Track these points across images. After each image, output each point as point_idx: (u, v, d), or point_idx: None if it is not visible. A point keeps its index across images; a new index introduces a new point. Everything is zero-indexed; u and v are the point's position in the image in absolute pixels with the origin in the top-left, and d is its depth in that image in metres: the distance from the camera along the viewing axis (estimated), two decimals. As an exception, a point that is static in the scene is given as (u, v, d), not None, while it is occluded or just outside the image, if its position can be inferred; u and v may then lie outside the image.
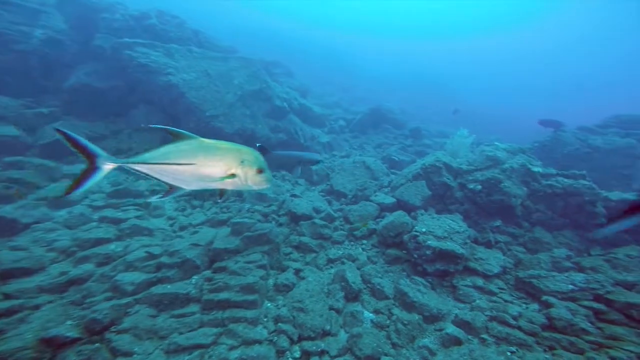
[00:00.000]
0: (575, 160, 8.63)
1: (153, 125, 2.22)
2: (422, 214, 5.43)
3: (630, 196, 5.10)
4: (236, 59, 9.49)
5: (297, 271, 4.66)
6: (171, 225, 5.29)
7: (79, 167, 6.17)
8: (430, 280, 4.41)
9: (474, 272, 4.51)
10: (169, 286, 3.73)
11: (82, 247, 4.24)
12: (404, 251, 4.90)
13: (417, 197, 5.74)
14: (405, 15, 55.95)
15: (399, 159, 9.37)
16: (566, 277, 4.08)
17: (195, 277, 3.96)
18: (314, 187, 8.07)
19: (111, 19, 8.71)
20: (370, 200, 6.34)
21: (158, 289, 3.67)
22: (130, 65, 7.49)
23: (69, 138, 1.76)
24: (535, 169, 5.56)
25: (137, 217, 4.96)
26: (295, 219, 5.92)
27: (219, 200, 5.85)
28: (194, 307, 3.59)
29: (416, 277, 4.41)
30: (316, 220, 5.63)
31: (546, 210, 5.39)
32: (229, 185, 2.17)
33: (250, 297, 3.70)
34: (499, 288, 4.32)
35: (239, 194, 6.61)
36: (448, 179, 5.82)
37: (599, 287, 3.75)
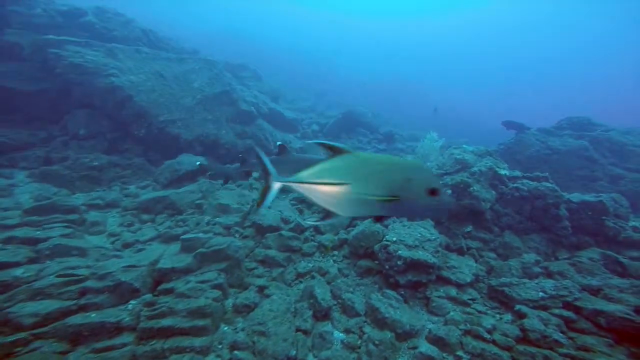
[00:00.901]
0: (537, 162, 9.06)
1: (313, 141, 1.74)
2: (393, 222, 5.25)
3: (590, 198, 5.30)
4: (195, 60, 8.94)
5: (261, 288, 4.25)
6: (112, 243, 4.64)
7: None
8: (402, 292, 4.20)
9: (447, 281, 4.38)
10: (93, 315, 3.16)
11: None
12: (376, 262, 4.67)
13: (389, 204, 5.57)
14: None
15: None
16: (536, 284, 4.07)
17: (132, 302, 3.41)
18: (284, 196, 7.68)
19: (27, 13, 7.77)
20: (342, 209, 6.08)
21: (76, 319, 3.07)
22: (59, 65, 6.70)
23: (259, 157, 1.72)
24: (502, 172, 5.64)
25: (65, 235, 4.26)
26: (262, 231, 5.51)
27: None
28: (126, 338, 3.05)
29: (388, 291, 4.18)
30: (284, 232, 5.26)
31: (514, 214, 5.46)
32: (392, 211, 1.65)
33: (201, 322, 3.24)
34: (472, 298, 4.22)
35: (198, 206, 6.06)
36: (419, 184, 5.72)
37: (567, 293, 3.75)
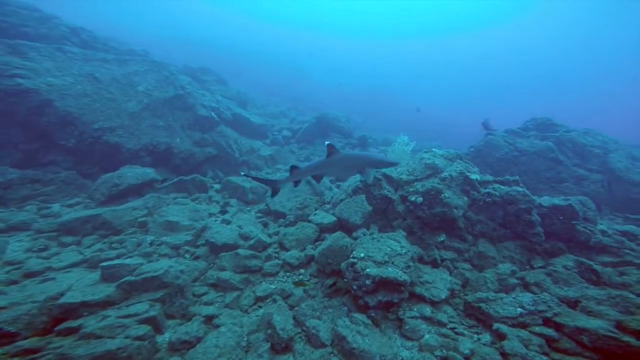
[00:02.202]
0: (507, 164, 9.23)
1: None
2: (363, 234, 4.88)
3: (559, 202, 5.29)
4: (140, 62, 8.15)
5: (209, 318, 3.71)
6: (8, 273, 3.79)
7: None
8: (373, 314, 3.79)
9: (420, 298, 4.05)
10: None
11: None
12: (344, 279, 4.23)
13: (358, 214, 5.20)
14: (360, 16, 59.34)
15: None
16: (513, 298, 3.84)
17: None
18: (249, 208, 7.09)
19: None
20: (309, 221, 5.61)
21: None
22: None
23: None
24: (473, 177, 5.50)
25: None
26: (216, 250, 4.91)
27: None
28: None
29: (356, 315, 3.75)
30: (240, 251, 4.70)
31: (487, 220, 5.31)
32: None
33: None
34: (448, 317, 3.90)
35: (141, 225, 5.31)
36: (389, 191, 5.43)
37: (546, 308, 3.56)
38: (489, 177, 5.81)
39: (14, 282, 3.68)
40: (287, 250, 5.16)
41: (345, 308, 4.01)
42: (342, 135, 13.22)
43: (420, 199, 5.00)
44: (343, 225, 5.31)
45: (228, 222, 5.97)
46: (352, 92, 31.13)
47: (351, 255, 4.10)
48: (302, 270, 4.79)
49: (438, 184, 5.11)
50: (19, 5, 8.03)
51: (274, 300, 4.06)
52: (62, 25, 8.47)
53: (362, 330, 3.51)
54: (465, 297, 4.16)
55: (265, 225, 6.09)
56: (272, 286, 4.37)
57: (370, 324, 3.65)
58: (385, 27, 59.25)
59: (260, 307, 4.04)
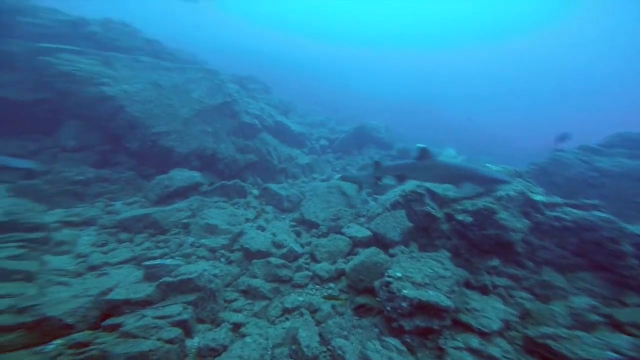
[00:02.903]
0: (581, 186, 7.95)
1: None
2: (401, 252, 4.54)
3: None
4: (196, 70, 8.91)
5: (237, 326, 3.71)
6: (77, 265, 4.27)
7: None
8: (408, 340, 3.46)
9: (466, 327, 3.58)
10: None
11: None
12: (377, 299, 3.96)
13: (396, 230, 4.89)
14: (401, 24, 58.53)
15: (383, 182, 8.63)
16: (600, 339, 3.15)
17: (56, 342, 2.92)
18: (284, 216, 7.19)
19: (33, 23, 7.92)
20: (342, 233, 5.45)
21: None
22: (49, 73, 6.67)
23: None
24: (537, 198, 4.84)
25: (14, 257, 3.94)
26: (249, 256, 5.02)
27: None
28: None
29: (389, 339, 3.46)
30: (272, 259, 4.72)
31: (555, 247, 4.58)
32: None
33: None
34: (502, 351, 3.37)
35: (184, 226, 5.68)
36: (432, 208, 5.03)
37: None
38: (558, 200, 5.07)
39: (79, 275, 4.13)
40: (318, 262, 5.05)
41: (377, 330, 3.74)
42: (380, 147, 12.86)
43: (470, 218, 4.52)
44: (379, 241, 5.04)
45: (263, 229, 6.08)
46: (394, 103, 30.46)
47: (386, 274, 3.84)
48: (331, 284, 4.64)
49: (492, 203, 4.57)
50: (119, 23, 9.44)
51: (301, 314, 3.95)
52: (140, 38, 9.75)
53: (395, 357, 3.22)
54: (525, 330, 3.60)
55: (298, 234, 6.09)
56: (301, 298, 4.28)
57: (404, 351, 3.34)
58: (429, 35, 57.29)
59: (287, 319, 3.96)
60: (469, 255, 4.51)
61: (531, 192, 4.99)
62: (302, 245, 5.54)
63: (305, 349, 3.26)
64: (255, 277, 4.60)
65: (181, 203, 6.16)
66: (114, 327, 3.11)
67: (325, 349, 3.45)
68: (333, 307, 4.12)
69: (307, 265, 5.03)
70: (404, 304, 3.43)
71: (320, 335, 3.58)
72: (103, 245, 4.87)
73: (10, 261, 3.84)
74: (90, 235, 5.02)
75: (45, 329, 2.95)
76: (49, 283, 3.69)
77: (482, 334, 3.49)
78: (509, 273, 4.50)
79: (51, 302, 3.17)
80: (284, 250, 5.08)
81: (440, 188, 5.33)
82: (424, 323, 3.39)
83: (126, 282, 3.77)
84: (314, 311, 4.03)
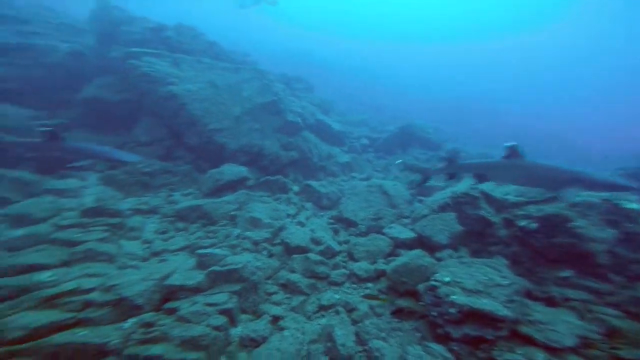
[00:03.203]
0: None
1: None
2: (449, 256, 4.21)
3: None
4: (248, 70, 9.35)
5: (276, 319, 3.79)
6: (144, 250, 4.78)
7: (70, 181, 6.15)
8: (455, 348, 3.20)
9: (529, 340, 3.19)
10: (83, 332, 2.98)
11: (5, 274, 3.63)
12: (420, 302, 3.74)
13: (444, 233, 4.56)
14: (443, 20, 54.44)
15: (428, 184, 8.11)
16: None
17: (131, 320, 3.25)
18: (322, 213, 7.20)
19: (131, 31, 9.14)
20: (383, 233, 5.25)
21: (63, 337, 2.88)
22: (134, 74, 7.54)
23: None
24: (630, 206, 4.10)
25: (100, 239, 4.50)
26: (289, 250, 5.11)
27: None
28: None
29: (433, 345, 3.22)
30: (310, 255, 4.74)
31: (650, 262, 3.80)
32: None
33: (191, 356, 2.86)
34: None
35: (231, 218, 6.02)
36: (488, 212, 4.57)
37: None
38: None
39: (145, 259, 4.57)
40: (356, 261, 4.94)
41: (419, 335, 3.53)
42: (427, 147, 12.13)
43: (535, 225, 3.99)
44: (424, 243, 4.74)
45: (302, 225, 6.16)
46: (440, 102, 28.50)
47: (432, 278, 3.58)
48: (369, 284, 4.49)
49: (565, 209, 4.00)
50: (188, 27, 10.57)
51: (337, 312, 3.89)
52: (204, 40, 10.73)
53: None
54: (617, 351, 3.08)
55: (336, 232, 6.03)
56: (337, 296, 4.22)
57: (451, 358, 3.09)
58: (477, 28, 52.15)
59: (323, 316, 3.92)
60: (531, 264, 4.00)
61: (619, 199, 4.24)
62: (339, 243, 5.47)
63: (340, 348, 3.20)
64: (293, 271, 4.66)
65: (230, 196, 6.53)
66: (172, 311, 3.36)
67: (361, 349, 3.34)
68: (371, 307, 3.98)
69: (344, 264, 4.96)
70: (452, 310, 3.18)
71: (356, 334, 3.49)
72: (164, 232, 5.35)
73: (98, 243, 4.38)
74: (154, 222, 5.57)
75: (123, 308, 3.28)
76: (123, 265, 4.17)
77: (550, 349, 3.08)
78: (587, 286, 3.90)
79: (126, 283, 3.51)
80: (322, 247, 5.07)
81: (499, 191, 4.81)
82: (474, 332, 3.12)
83: (182, 269, 4.06)
84: (350, 310, 3.95)
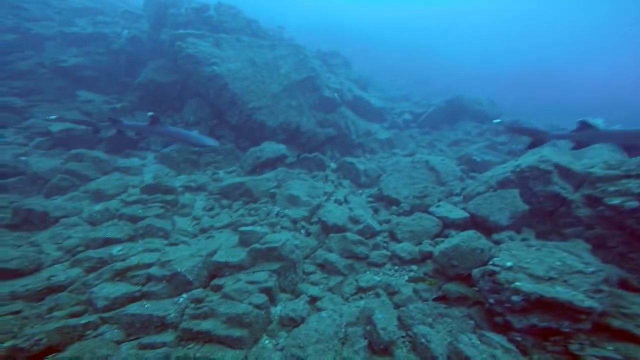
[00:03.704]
0: None
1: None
2: (509, 239, 3.62)
3: None
4: (284, 47, 9.04)
5: (314, 299, 3.66)
6: (193, 226, 5.00)
7: (134, 160, 6.68)
8: (519, 339, 2.77)
9: (623, 335, 2.66)
10: (147, 304, 3.15)
11: (89, 247, 3.97)
12: (474, 288, 3.30)
13: (504, 213, 3.92)
14: None
15: (482, 159, 7.17)
16: None
17: (184, 295, 3.37)
18: (360, 191, 6.86)
19: (176, 13, 9.34)
20: (429, 212, 4.76)
21: (133, 308, 3.09)
22: (180, 56, 7.70)
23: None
24: None
25: (158, 215, 4.75)
26: (327, 229, 4.92)
27: None
28: (167, 336, 2.90)
29: (490, 334, 2.82)
30: (348, 235, 4.49)
31: None
32: None
33: (237, 333, 2.88)
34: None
35: (271, 195, 6.02)
36: (563, 188, 3.77)
37: None
38: None
39: (194, 236, 4.77)
40: (399, 241, 4.57)
41: (472, 322, 3.13)
42: (480, 121, 10.75)
43: (635, 203, 3.17)
44: (478, 224, 4.17)
45: (340, 203, 5.91)
46: (502, 75, 24.85)
47: (490, 262, 3.09)
48: (413, 267, 4.13)
49: None
50: (228, 5, 10.55)
51: (377, 295, 3.64)
52: (243, 19, 10.61)
53: (500, 355, 2.58)
54: None
55: (375, 211, 5.67)
56: (377, 278, 3.95)
57: (513, 350, 2.67)
58: None
59: (362, 298, 3.71)
60: (625, 248, 3.22)
61: None
62: (380, 223, 5.12)
63: (381, 332, 2.95)
64: (331, 251, 4.47)
65: (269, 174, 6.51)
66: (218, 288, 3.44)
67: (404, 334, 3.07)
68: (415, 291, 3.65)
69: (385, 244, 4.62)
70: (515, 298, 2.74)
71: (399, 319, 3.22)
72: (210, 210, 5.52)
73: (156, 219, 4.64)
74: (202, 200, 5.80)
75: (176, 283, 3.40)
76: (176, 241, 4.39)
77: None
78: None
79: (179, 259, 3.63)
80: (361, 227, 4.77)
81: (580, 164, 3.95)
82: (544, 323, 2.67)
83: (226, 246, 4.14)
84: (392, 293, 3.66)
